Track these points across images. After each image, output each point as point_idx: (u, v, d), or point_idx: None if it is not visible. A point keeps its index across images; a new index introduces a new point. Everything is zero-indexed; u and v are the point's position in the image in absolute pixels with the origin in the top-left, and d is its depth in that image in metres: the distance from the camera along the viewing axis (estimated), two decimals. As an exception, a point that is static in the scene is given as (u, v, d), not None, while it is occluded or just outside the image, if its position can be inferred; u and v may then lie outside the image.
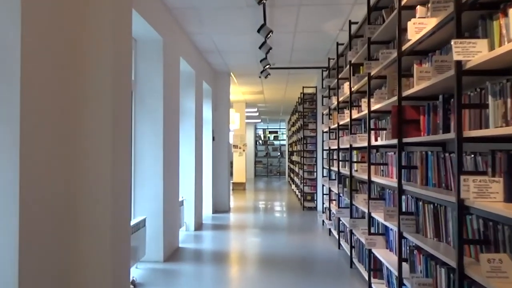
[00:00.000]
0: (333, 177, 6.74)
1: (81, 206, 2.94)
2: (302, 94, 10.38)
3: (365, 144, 4.18)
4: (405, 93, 2.97)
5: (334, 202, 6.69)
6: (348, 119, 4.96)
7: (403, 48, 3.00)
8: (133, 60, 4.96)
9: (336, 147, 6.21)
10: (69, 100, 2.89)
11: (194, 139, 6.96)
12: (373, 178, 3.92)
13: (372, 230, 4.01)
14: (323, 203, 7.54)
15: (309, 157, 9.89)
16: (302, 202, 10.09)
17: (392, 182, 3.40)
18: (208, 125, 8.81)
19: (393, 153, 3.70)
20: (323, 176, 7.49)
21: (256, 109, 16.26)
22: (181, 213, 6.55)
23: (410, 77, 3.07)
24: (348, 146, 5.01)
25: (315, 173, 9.67)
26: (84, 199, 2.95)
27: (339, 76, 5.71)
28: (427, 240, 2.73)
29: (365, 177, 4.12)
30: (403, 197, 3.20)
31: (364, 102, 4.15)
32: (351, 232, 4.86)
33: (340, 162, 5.87)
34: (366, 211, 4.02)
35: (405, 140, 3.02)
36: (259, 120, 21.36)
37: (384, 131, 3.85)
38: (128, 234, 3.47)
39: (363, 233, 4.25)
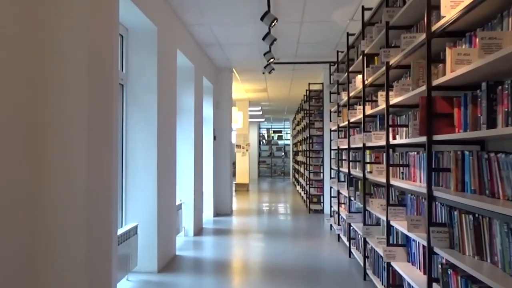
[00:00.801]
0: (342, 178, 6.28)
1: (49, 214, 2.50)
2: (307, 92, 9.91)
3: (382, 142, 3.72)
4: (435, 83, 2.51)
5: (343, 206, 6.22)
6: (361, 116, 4.50)
7: (433, 28, 2.54)
8: (124, 51, 4.52)
9: (345, 147, 5.74)
10: (36, 92, 2.45)
11: (193, 138, 6.52)
12: (393, 182, 3.45)
13: (390, 240, 3.55)
14: (330, 207, 7.08)
15: (315, 157, 9.43)
16: (307, 204, 9.62)
17: (416, 186, 2.94)
18: (209, 124, 8.36)
19: (415, 153, 3.24)
20: (331, 178, 7.04)
21: (259, 108, 15.81)
22: (179, 217, 6.11)
23: (440, 63, 2.61)
24: (360, 145, 4.55)
25: (321, 174, 9.20)
26: (54, 207, 2.51)
27: (350, 69, 5.24)
28: (465, 258, 2.27)
29: (382, 180, 3.66)
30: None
31: (381, 96, 3.69)
32: (365, 241, 4.40)
33: (351, 163, 5.41)
34: (384, 218, 3.55)
35: (436, 137, 2.56)
36: (263, 119, 20.91)
37: (404, 128, 3.39)
38: (111, 244, 3.02)
39: (379, 243, 3.79)
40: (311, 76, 9.57)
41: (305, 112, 10.58)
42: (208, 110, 8.35)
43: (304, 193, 10.94)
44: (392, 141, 3.50)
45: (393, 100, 3.34)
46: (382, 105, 3.64)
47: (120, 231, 3.93)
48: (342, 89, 6.05)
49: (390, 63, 3.42)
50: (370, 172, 4.51)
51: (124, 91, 4.53)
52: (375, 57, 4.20)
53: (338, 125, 6.22)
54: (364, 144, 4.36)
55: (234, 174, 14.44)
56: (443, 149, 2.80)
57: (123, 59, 4.52)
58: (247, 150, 14.54)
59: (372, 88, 4.43)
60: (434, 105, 2.56)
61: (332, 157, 7.18)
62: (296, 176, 14.91)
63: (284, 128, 23.77)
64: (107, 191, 2.94)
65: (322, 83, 9.03)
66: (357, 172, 4.94)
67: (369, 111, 4.30)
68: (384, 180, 3.61)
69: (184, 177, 6.46)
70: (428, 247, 2.58)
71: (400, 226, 3.19)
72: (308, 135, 9.67)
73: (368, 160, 4.49)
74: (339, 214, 6.19)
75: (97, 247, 2.80)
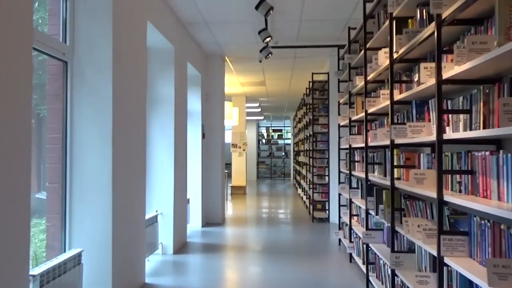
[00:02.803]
0: (355, 184, 5.12)
1: None
2: (311, 83, 8.74)
3: (428, 138, 2.56)
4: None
5: (356, 218, 5.06)
6: (387, 103, 3.32)
7: None
8: (68, 16, 3.35)
9: (360, 145, 4.58)
10: None
11: (173, 135, 5.35)
12: (449, 198, 2.27)
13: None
14: (339, 217, 5.92)
15: (319, 157, 8.26)
16: (311, 211, 8.45)
17: (494, 208, 1.78)
18: (196, 119, 7.19)
19: (486, 153, 2.08)
20: (339, 183, 5.87)
21: (258, 104, 14.63)
22: (153, 233, 4.95)
23: None
24: (385, 142, 3.38)
25: (326, 177, 8.04)
26: None
27: (368, 44, 4.07)
28: None
29: (424, 192, 2.51)
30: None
31: (424, 70, 2.51)
32: (393, 273, 3.23)
33: (369, 166, 4.24)
34: (431, 250, 2.39)
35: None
36: (262, 117, 19.73)
37: (462, 117, 2.23)
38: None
39: (420, 283, 2.62)
40: (315, 65, 8.41)
41: (308, 107, 9.41)
42: (195, 103, 7.19)
43: (307, 198, 9.78)
44: (450, 135, 2.32)
45: (450, 73, 2.17)
46: (428, 83, 2.47)
47: (52, 263, 2.77)
48: (355, 74, 4.88)
49: (444, 17, 2.24)
50: (399, 178, 3.35)
51: (69, 70, 3.37)
52: (409, 20, 3.02)
53: (350, 119, 5.05)
54: (392, 141, 3.19)
55: (230, 175, 13.29)
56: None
57: (66, 27, 3.36)
58: (244, 150, 13.38)
59: (404, 65, 3.25)
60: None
61: (341, 158, 6.01)
62: (298, 178, 13.74)
63: (284, 126, 22.59)
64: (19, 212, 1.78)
65: (328, 73, 7.86)
66: (378, 178, 3.78)
67: (400, 95, 3.13)
68: (428, 193, 2.45)
69: (162, 182, 5.29)
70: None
71: (462, 266, 2.04)
72: (311, 133, 8.50)
73: (395, 163, 3.32)
74: (351, 228, 5.02)
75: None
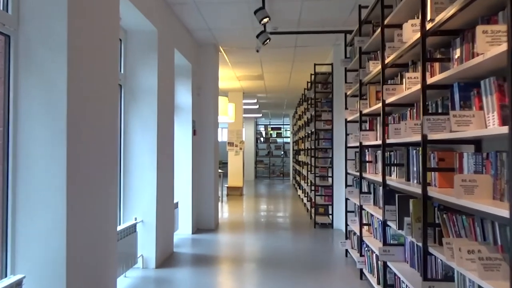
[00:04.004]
0: (365, 188, 4.42)
1: None
2: (312, 76, 8.03)
3: (482, 131, 1.86)
4: None
5: (368, 227, 4.36)
6: (416, 88, 2.61)
7: None
8: (11, -23, 2.64)
9: (374, 143, 3.89)
10: None
11: (155, 131, 4.63)
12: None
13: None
14: (346, 225, 5.21)
15: (322, 157, 7.55)
16: (312, 215, 7.75)
17: None
18: (186, 115, 6.48)
19: None
20: (346, 186, 5.16)
21: (255, 100, 13.92)
22: (132, 244, 4.24)
23: None
24: (414, 138, 2.66)
25: (329, 179, 7.34)
26: None
27: (387, 21, 3.35)
28: None
29: (480, 206, 1.80)
30: None
31: (483, 35, 1.80)
32: (424, 306, 2.52)
33: (386, 168, 3.54)
34: (486, 286, 1.69)
35: None
36: (260, 115, 19.03)
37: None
38: None
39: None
40: (318, 55, 7.70)
41: (309, 102, 8.69)
42: (185, 97, 6.47)
43: (308, 200, 9.07)
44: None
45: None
46: (487, 54, 1.76)
47: None
48: (367, 60, 4.17)
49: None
50: (428, 184, 2.64)
51: (12, 46, 2.65)
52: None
53: (360, 113, 4.34)
54: (424, 137, 2.47)
55: (226, 176, 12.58)
56: None
57: (9, -9, 2.64)
58: (241, 149, 12.68)
59: (437, 40, 2.55)
60: None
61: (348, 158, 5.30)
62: (297, 178, 13.04)
63: (283, 124, 21.87)
64: None
65: (332, 64, 7.15)
66: (397, 183, 3.08)
67: (432, 78, 2.42)
68: (484, 207, 1.75)
69: (142, 186, 4.58)
70: None
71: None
72: (313, 130, 7.79)
73: (430, 165, 2.61)
74: (361, 240, 4.32)
75: None
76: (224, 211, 9.38)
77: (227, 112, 9.16)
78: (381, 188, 3.85)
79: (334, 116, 7.04)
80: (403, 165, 3.28)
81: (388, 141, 3.35)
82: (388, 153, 3.58)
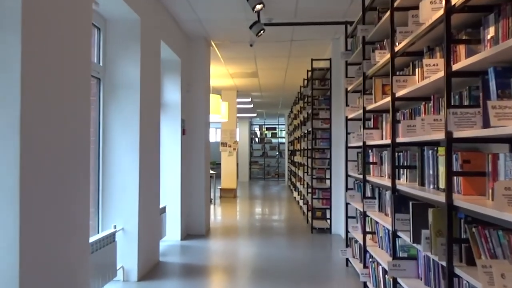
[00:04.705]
0: (370, 193, 4.01)
1: None
2: (309, 73, 7.62)
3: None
4: None
5: (372, 236, 3.95)
6: (438, 76, 2.19)
7: None
8: None
9: (380, 142, 3.49)
10: None
11: (138, 129, 4.20)
12: None
13: None
14: (346, 232, 4.80)
15: (319, 158, 7.14)
16: (309, 219, 7.34)
17: None
18: (175, 113, 6.05)
19: None
20: (347, 189, 4.75)
21: (250, 99, 13.49)
22: (110, 255, 3.81)
23: None
24: (435, 136, 2.25)
25: (327, 181, 6.93)
26: None
27: (396, 3, 2.93)
28: None
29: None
30: None
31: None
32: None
33: (394, 171, 3.12)
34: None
35: None
36: (255, 115, 18.60)
37: None
38: None
39: None
40: (314, 51, 7.29)
41: (306, 100, 8.28)
42: (173, 94, 6.05)
43: (304, 203, 8.66)
44: None
45: None
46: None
47: None
48: (371, 51, 3.76)
49: None
50: (460, 192, 2.23)
51: (-44, 26, 2.22)
52: None
53: (364, 109, 3.93)
54: (449, 135, 2.05)
55: (219, 177, 12.14)
56: None
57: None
58: (234, 149, 12.25)
59: (462, 19, 2.14)
60: None
61: (348, 159, 4.88)
62: (293, 179, 12.63)
63: (278, 124, 21.47)
64: None
65: (330, 59, 6.74)
66: (408, 187, 2.67)
67: (458, 64, 2.01)
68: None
69: (123, 190, 4.14)
70: None
71: None
72: (310, 129, 7.38)
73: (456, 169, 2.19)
74: (365, 250, 3.91)
75: None
76: (217, 215, 8.95)
77: (219, 110, 8.72)
78: (387, 193, 3.46)
79: (333, 115, 6.64)
80: (415, 168, 2.88)
81: (398, 140, 2.94)
82: (396, 154, 3.18)
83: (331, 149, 6.70)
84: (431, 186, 2.56)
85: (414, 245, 2.55)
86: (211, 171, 10.24)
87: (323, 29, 6.05)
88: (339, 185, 6.49)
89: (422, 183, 2.69)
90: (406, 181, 3.06)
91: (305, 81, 8.40)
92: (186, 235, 6.36)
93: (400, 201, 2.86)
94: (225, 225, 7.66)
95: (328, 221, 6.81)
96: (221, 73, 9.36)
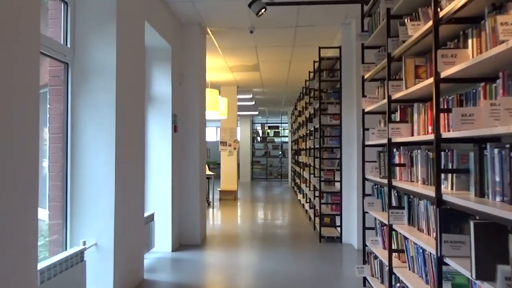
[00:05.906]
0: (395, 201, 3.28)
1: None
2: (316, 64, 6.89)
3: None
4: None
5: (399, 255, 3.22)
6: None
7: None
8: None
9: (417, 138, 2.77)
10: None
11: (114, 126, 3.48)
12: None
13: None
14: (364, 246, 4.07)
15: (328, 158, 6.41)
16: (316, 226, 6.61)
17: None
18: (166, 107, 5.34)
19: None
20: (364, 196, 4.01)
21: (251, 96, 12.76)
22: (79, 277, 3.09)
23: None
24: (504, 130, 1.53)
25: (337, 184, 6.20)
26: None
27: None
28: None
29: None
30: None
31: None
32: None
33: (439, 176, 2.39)
34: None
35: None
36: (257, 113, 17.87)
37: None
38: None
39: None
40: (321, 38, 6.57)
41: (312, 94, 7.55)
42: (163, 85, 5.33)
43: (310, 207, 7.94)
44: None
45: None
46: None
47: None
48: (398, 25, 3.03)
49: None
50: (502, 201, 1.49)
51: None
52: None
53: (389, 98, 3.20)
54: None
55: (218, 178, 11.45)
56: None
57: None
58: (235, 149, 11.52)
59: None
60: None
61: (365, 160, 4.14)
62: (297, 180, 11.91)
63: (281, 123, 20.74)
64: None
65: (340, 47, 6.01)
66: (459, 198, 1.95)
67: None
68: None
69: (95, 199, 3.43)
70: None
71: None
72: (317, 126, 6.65)
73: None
74: (391, 272, 3.18)
75: None
76: (215, 219, 8.24)
77: (217, 106, 8.01)
78: (422, 202, 2.74)
79: (343, 109, 5.90)
80: (468, 172, 2.15)
81: (447, 135, 2.21)
82: (449, 150, 2.45)
83: (342, 148, 5.97)
84: (497, 198, 1.83)
85: (478, 282, 1.82)
86: (210, 172, 9.53)
87: (332, 12, 5.34)
88: (351, 188, 5.76)
89: (481, 194, 1.97)
90: (451, 189, 2.34)
91: (311, 74, 7.66)
92: (179, 245, 5.65)
93: (449, 217, 2.13)
94: (224, 232, 6.95)
95: (338, 228, 6.08)
96: (220, 67, 8.64)
